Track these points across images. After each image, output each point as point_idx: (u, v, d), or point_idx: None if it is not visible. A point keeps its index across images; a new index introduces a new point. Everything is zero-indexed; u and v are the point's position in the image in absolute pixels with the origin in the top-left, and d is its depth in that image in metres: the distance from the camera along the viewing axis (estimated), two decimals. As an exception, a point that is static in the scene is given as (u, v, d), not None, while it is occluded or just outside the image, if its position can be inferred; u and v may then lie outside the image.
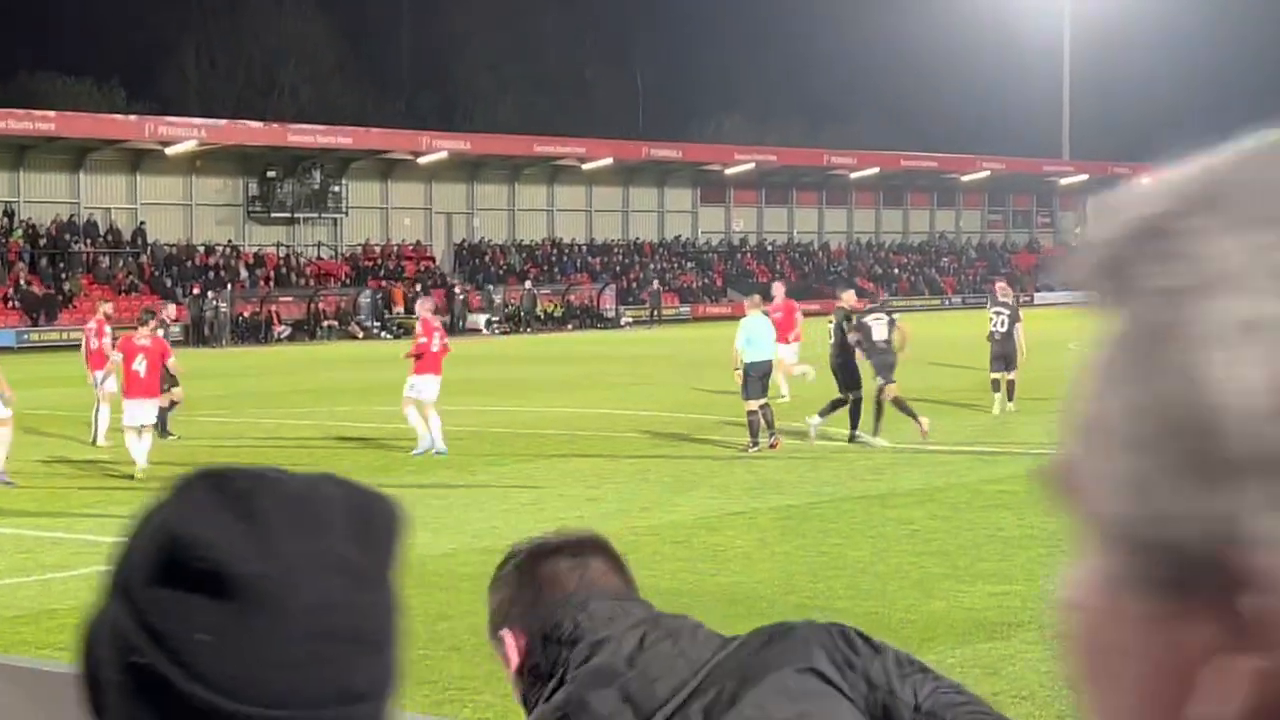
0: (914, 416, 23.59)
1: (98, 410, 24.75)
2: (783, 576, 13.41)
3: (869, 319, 25.17)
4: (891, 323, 25.16)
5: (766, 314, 25.19)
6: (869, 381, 23.99)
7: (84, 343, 27.70)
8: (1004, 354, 27.85)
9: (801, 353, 31.82)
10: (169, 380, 24.03)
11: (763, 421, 22.80)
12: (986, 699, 9.88)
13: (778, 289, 34.24)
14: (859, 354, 24.21)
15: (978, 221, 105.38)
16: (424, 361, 24.50)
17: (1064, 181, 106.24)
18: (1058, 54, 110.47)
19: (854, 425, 23.43)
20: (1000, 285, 31.55)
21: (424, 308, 26.94)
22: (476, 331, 69.83)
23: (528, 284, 76.21)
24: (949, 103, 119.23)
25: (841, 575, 13.42)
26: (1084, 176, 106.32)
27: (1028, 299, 79.60)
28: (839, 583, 13.07)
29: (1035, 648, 10.68)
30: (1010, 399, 27.30)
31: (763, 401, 22.91)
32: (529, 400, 32.15)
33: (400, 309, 69.85)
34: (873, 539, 15.23)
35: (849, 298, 26.64)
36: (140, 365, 21.96)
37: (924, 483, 19.05)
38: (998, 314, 27.79)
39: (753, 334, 23.44)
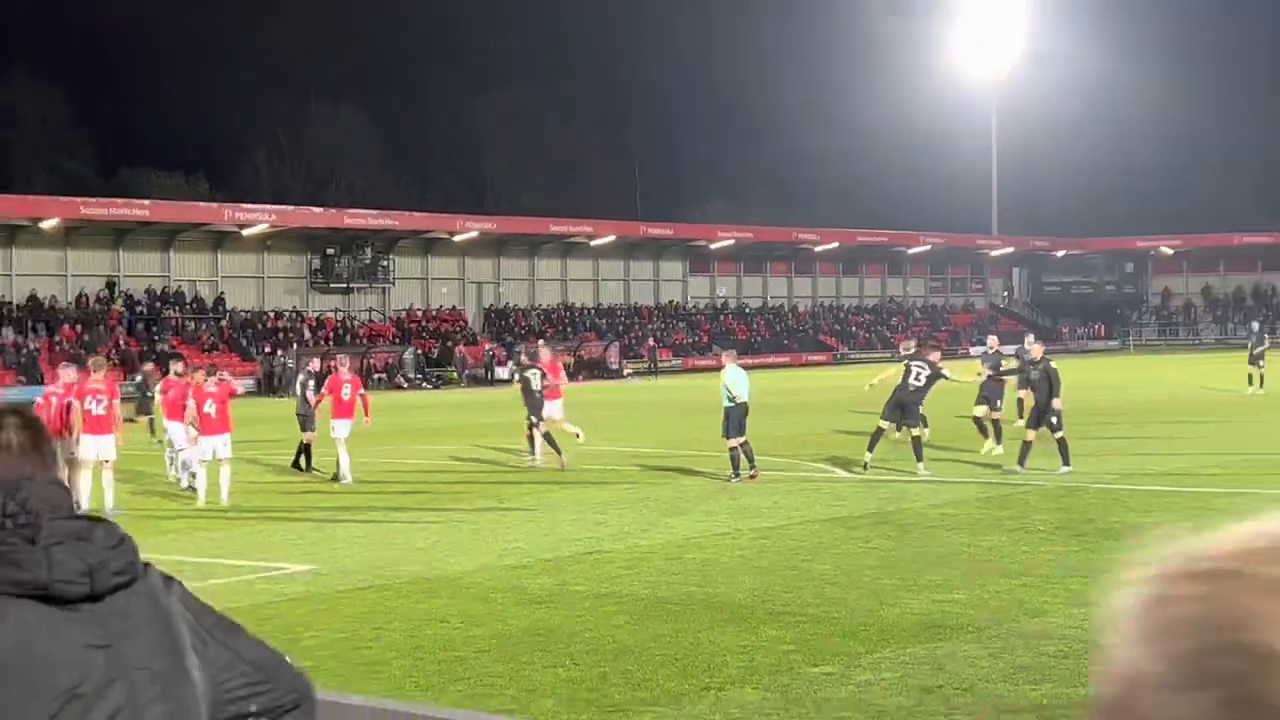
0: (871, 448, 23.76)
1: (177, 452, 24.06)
2: (761, 587, 13.36)
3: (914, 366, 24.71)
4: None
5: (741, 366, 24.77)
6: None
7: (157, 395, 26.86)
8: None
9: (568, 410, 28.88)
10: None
11: (743, 456, 22.75)
12: (933, 692, 9.81)
13: (544, 351, 30.88)
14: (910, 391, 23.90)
15: (922, 287, 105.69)
16: (338, 408, 24.46)
17: (993, 254, 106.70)
18: (987, 146, 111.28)
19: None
20: (907, 343, 29.83)
21: (342, 364, 26.16)
22: (505, 382, 69.89)
23: (540, 341, 76.22)
24: (897, 187, 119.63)
25: (810, 586, 13.37)
26: (1010, 249, 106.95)
27: (964, 352, 79.89)
28: (808, 593, 13.02)
29: (973, 647, 10.63)
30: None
31: (743, 439, 22.84)
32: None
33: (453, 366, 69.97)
34: (836, 555, 15.18)
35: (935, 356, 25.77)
36: (210, 408, 21.90)
37: (878, 508, 19.00)
38: (919, 368, 26.26)
39: (736, 380, 23.37)
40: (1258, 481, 20.66)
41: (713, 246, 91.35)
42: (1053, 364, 23.77)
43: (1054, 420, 22.85)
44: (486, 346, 74.91)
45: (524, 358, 31.50)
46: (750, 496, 20.59)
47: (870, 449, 23.60)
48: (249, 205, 76.83)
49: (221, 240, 73.74)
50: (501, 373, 71.10)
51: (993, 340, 28.98)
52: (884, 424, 23.90)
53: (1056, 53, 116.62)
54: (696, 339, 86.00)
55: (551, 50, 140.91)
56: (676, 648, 10.82)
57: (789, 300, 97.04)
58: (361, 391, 25.44)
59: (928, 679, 9.70)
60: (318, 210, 77.67)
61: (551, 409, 27.14)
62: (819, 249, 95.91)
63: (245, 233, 72.65)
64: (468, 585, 13.64)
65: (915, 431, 23.51)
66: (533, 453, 26.60)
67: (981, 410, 26.34)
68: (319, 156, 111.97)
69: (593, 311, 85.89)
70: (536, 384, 26.60)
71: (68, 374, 21.30)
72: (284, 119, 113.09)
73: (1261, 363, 41.47)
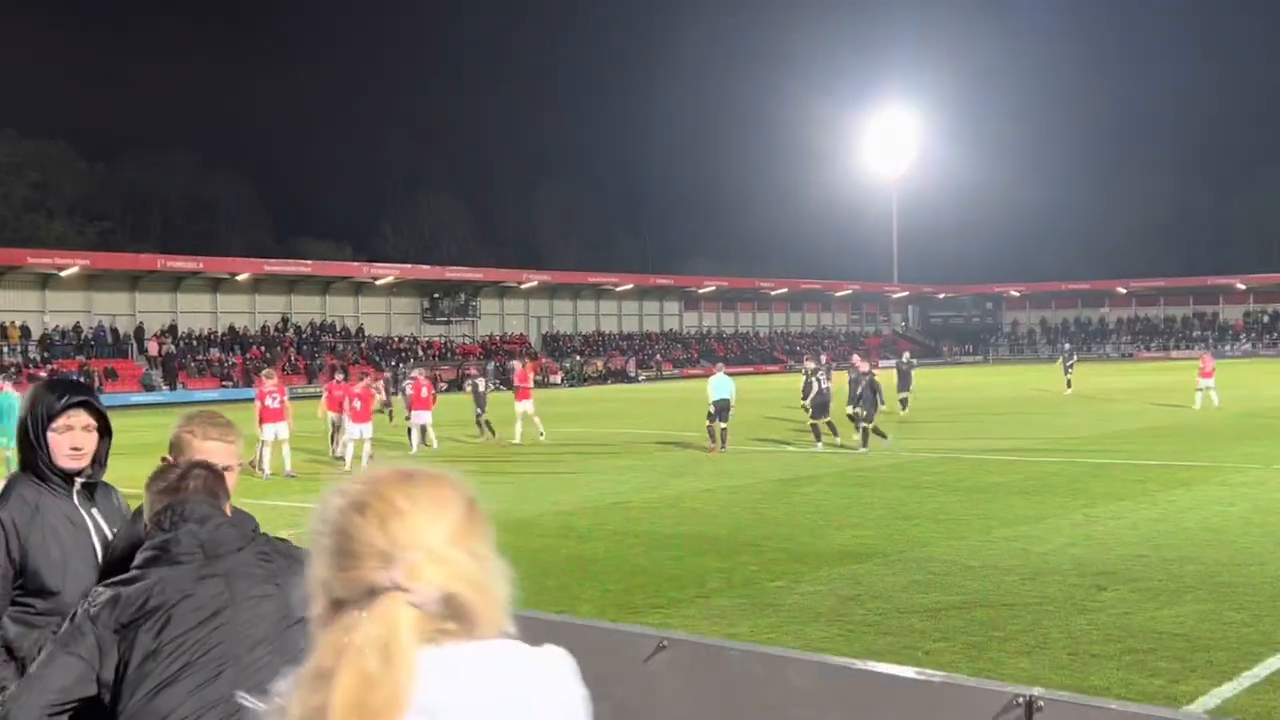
0: (821, 434, 23.54)
1: (334, 435, 23.96)
2: (733, 526, 13.39)
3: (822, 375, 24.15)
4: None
5: (727, 374, 24.43)
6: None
7: (324, 395, 26.38)
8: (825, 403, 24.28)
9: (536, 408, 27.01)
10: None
11: (718, 435, 22.83)
12: (853, 598, 9.75)
13: (516, 363, 28.85)
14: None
15: (845, 319, 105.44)
16: (417, 403, 25.00)
17: (894, 295, 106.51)
18: (890, 220, 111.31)
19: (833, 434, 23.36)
20: (810, 360, 26.44)
21: (422, 375, 26.11)
22: (557, 385, 69.90)
23: (578, 357, 76.49)
24: (828, 249, 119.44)
25: (766, 525, 13.40)
26: (906, 292, 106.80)
27: (875, 365, 79.48)
28: (764, 530, 13.04)
29: (880, 568, 10.65)
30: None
31: (724, 425, 22.93)
32: (584, 424, 32.16)
33: (534, 375, 69.56)
34: (785, 504, 15.20)
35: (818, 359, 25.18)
36: (358, 404, 22.02)
37: (813, 471, 19.01)
38: (824, 379, 23.93)
39: (715, 384, 23.45)
40: (1075, 453, 20.65)
41: (700, 291, 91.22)
42: (876, 377, 23.11)
43: (865, 413, 22.34)
44: (544, 361, 74.93)
45: (472, 369, 30.77)
46: (726, 463, 20.62)
47: (819, 439, 23.23)
48: (380, 263, 76.91)
49: (361, 288, 73.83)
50: (555, 379, 71.23)
51: (856, 358, 26.97)
52: (817, 421, 23.60)
53: (939, 154, 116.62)
54: (689, 355, 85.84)
55: (587, 151, 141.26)
56: (677, 569, 10.86)
57: (753, 328, 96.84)
58: (432, 391, 25.81)
59: (850, 590, 9.72)
60: (427, 267, 77.71)
61: (524, 406, 26.10)
62: (774, 293, 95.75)
63: (378, 282, 72.71)
64: (531, 526, 13.67)
65: (828, 419, 23.37)
66: (488, 434, 26.63)
67: (849, 409, 24.48)
68: (428, 228, 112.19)
69: (617, 336, 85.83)
70: (481, 387, 27.22)
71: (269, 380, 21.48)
72: (404, 201, 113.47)
73: (1070, 373, 41.41)
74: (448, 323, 77.07)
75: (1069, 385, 40.80)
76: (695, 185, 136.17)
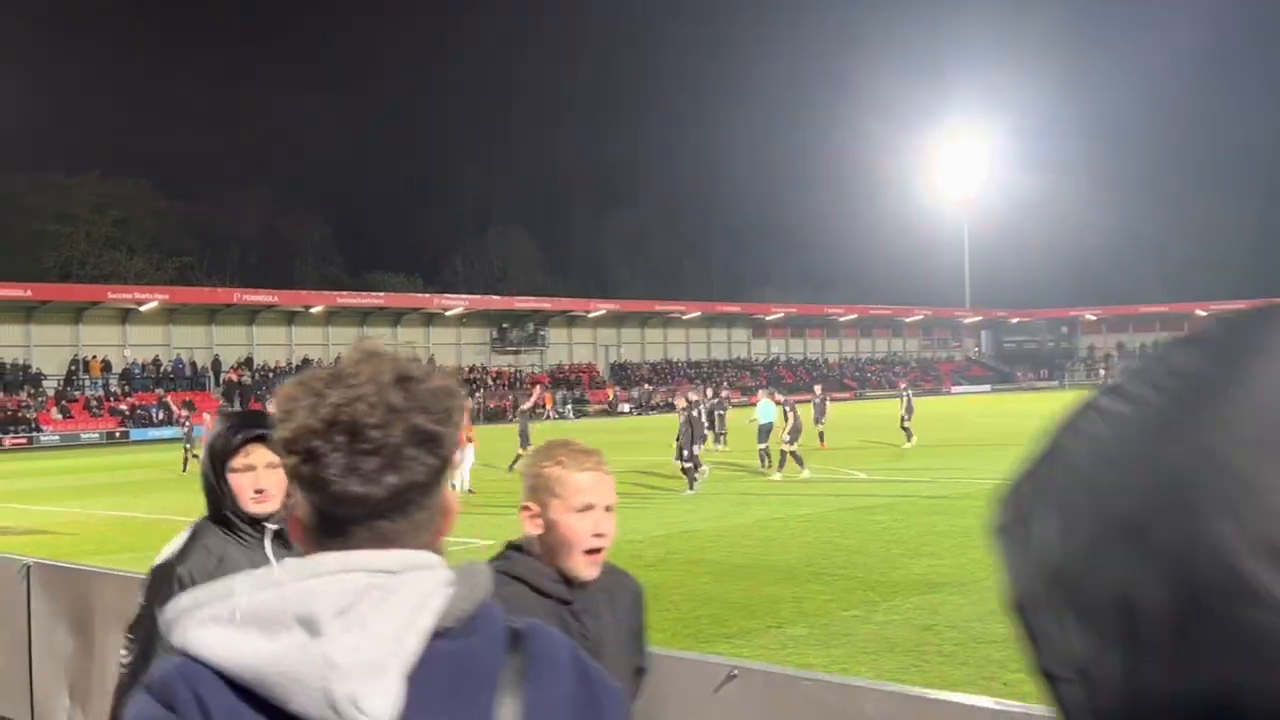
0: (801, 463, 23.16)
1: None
2: (806, 556, 13.26)
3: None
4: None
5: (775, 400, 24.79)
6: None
7: None
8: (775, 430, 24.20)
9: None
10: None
11: (767, 457, 23.06)
12: (929, 629, 9.60)
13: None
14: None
15: (916, 345, 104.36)
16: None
17: (966, 321, 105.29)
18: (961, 244, 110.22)
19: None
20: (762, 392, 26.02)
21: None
22: (625, 414, 69.98)
23: (647, 386, 76.53)
24: (898, 274, 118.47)
25: (840, 554, 13.25)
26: (979, 317, 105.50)
27: (947, 390, 78.64)
28: (839, 559, 12.90)
29: (957, 597, 10.46)
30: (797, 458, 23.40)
31: (763, 446, 23.92)
32: (652, 453, 32.08)
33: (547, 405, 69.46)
34: (858, 533, 15.02)
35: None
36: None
37: (888, 499, 18.79)
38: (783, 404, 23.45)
39: (761, 409, 24.55)
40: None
41: (768, 319, 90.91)
42: (694, 413, 21.76)
43: (686, 453, 21.29)
44: (612, 390, 75.10)
45: (692, 393, 26.69)
46: (797, 491, 20.44)
47: (802, 466, 22.85)
48: (450, 295, 77.82)
49: (431, 319, 74.74)
50: (624, 408, 71.32)
51: (772, 393, 25.95)
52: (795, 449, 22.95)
53: (1009, 178, 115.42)
54: (758, 383, 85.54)
55: (654, 183, 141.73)
56: (747, 598, 10.77)
57: (822, 355, 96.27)
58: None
59: (926, 620, 9.56)
60: (496, 298, 78.56)
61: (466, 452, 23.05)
62: (843, 319, 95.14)
63: (448, 314, 73.57)
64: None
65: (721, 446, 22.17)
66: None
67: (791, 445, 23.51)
68: (497, 260, 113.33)
69: (684, 364, 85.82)
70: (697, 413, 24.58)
71: None
72: (474, 235, 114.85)
73: None
74: (516, 352, 77.68)
75: None
76: (763, 213, 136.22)
